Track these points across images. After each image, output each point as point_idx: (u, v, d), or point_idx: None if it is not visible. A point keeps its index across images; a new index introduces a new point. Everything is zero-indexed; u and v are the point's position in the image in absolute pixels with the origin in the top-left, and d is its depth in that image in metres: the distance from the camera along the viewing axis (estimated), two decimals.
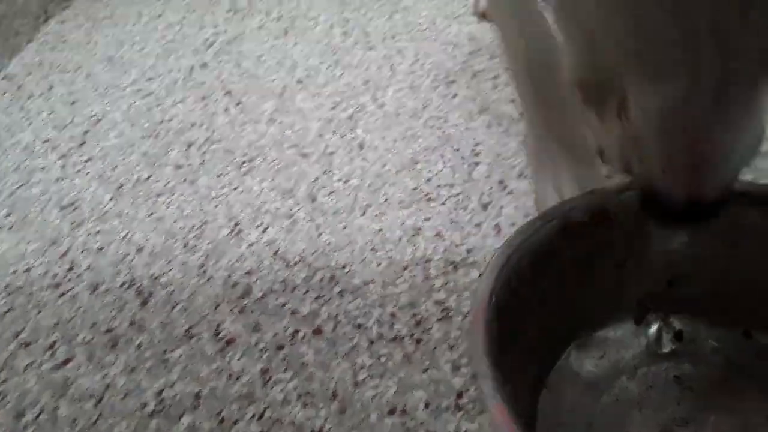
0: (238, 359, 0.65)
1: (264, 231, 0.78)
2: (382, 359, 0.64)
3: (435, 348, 0.64)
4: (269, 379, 0.63)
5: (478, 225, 0.77)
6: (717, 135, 0.33)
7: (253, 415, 0.60)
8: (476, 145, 0.88)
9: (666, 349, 0.57)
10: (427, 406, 0.59)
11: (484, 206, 0.79)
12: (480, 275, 0.48)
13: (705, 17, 0.29)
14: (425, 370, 0.62)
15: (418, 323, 0.67)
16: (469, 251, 0.74)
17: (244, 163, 0.88)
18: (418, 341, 0.65)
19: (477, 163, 0.86)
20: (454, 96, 0.97)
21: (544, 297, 0.52)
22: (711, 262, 0.54)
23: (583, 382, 0.55)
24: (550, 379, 0.54)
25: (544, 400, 0.53)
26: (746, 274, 0.54)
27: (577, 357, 0.56)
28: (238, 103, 0.98)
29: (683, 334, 0.56)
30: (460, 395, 0.60)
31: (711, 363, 0.56)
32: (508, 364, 0.44)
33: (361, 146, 0.90)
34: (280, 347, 0.66)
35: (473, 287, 0.69)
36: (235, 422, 0.60)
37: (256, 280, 0.73)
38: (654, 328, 0.57)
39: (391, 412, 0.59)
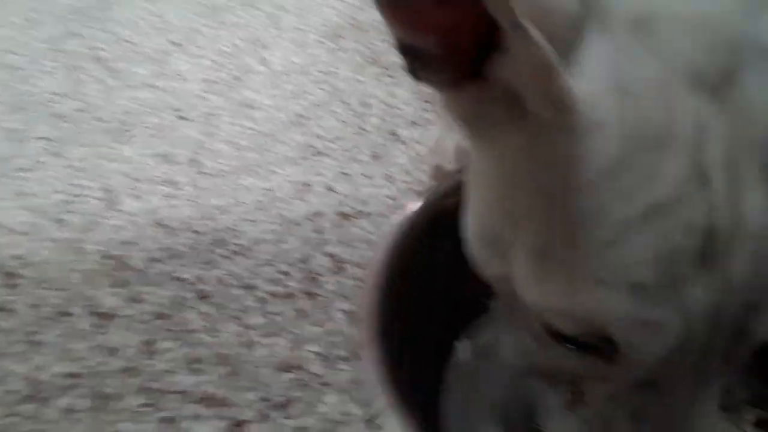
0: (118, 333, 0.60)
1: (143, 200, 0.73)
2: (274, 317, 0.60)
3: (329, 301, 0.61)
4: (153, 350, 0.59)
5: (369, 176, 0.74)
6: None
7: (138, 388, 0.56)
8: (366, 97, 0.86)
9: None
10: (322, 358, 0.57)
11: (376, 157, 0.77)
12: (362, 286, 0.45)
13: (693, 270, 0.28)
14: (319, 324, 0.59)
15: (311, 278, 0.64)
16: (361, 202, 0.71)
17: (119, 131, 0.82)
18: (312, 296, 0.62)
19: (368, 115, 0.83)
20: (342, 50, 0.93)
21: (431, 290, 0.50)
22: None
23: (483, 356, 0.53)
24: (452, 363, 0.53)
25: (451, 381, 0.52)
26: None
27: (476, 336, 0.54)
28: (110, 71, 0.92)
29: None
30: (356, 344, 0.57)
31: None
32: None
33: (246, 105, 0.85)
34: (163, 316, 0.61)
35: (367, 237, 0.67)
36: (120, 398, 0.55)
37: (135, 250, 0.68)
38: None
39: (285, 368, 0.56)
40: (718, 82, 0.27)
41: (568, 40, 0.27)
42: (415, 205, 0.49)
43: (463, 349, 0.53)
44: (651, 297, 0.28)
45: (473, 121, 0.32)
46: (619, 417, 0.34)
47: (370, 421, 0.52)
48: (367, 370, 0.40)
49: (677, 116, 0.27)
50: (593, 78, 0.27)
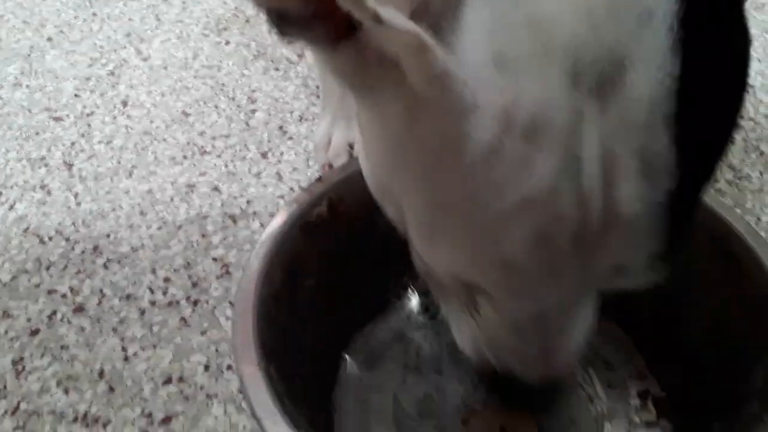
0: None
1: (11, 207, 0.68)
2: (155, 328, 0.58)
3: (214, 307, 0.59)
4: (23, 368, 0.55)
5: (257, 174, 0.72)
6: (566, 335, 0.36)
7: (5, 411, 0.52)
8: (253, 92, 0.83)
9: (433, 318, 0.55)
10: (206, 368, 0.55)
11: (263, 154, 0.75)
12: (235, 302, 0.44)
13: (567, 250, 0.28)
14: (204, 332, 0.57)
15: (195, 284, 0.61)
16: (248, 202, 0.69)
17: None
18: (196, 303, 0.60)
19: (254, 111, 0.80)
20: (227, 43, 0.90)
21: (307, 309, 0.49)
22: None
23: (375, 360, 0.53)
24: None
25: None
26: None
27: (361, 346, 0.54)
28: None
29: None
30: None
31: None
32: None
33: (124, 103, 0.81)
34: (35, 332, 0.57)
35: (256, 238, 0.65)
36: None
37: (3, 262, 0.63)
38: (414, 302, 0.56)
39: (167, 381, 0.54)
40: (600, 70, 0.26)
41: (448, 4, 0.26)
42: (281, 218, 0.47)
43: (349, 364, 0.53)
44: (526, 277, 0.29)
45: (352, 81, 0.30)
46: (502, 328, 0.36)
47: None
48: (258, 397, 0.39)
49: (554, 104, 0.26)
50: (471, 49, 0.26)
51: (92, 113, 0.79)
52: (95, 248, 0.65)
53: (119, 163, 0.73)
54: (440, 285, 0.39)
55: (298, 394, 0.41)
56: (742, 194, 0.64)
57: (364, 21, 0.24)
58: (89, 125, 0.78)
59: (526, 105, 0.26)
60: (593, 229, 0.28)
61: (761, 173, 0.66)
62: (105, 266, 0.63)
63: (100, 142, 0.76)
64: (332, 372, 0.52)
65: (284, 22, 0.27)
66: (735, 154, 0.68)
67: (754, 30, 0.92)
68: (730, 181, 0.66)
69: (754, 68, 0.79)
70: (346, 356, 0.53)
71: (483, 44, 0.26)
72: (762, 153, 0.69)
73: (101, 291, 0.61)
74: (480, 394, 0.50)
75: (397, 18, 0.24)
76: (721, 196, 0.64)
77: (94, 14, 0.95)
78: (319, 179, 0.51)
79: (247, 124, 0.79)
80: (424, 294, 0.56)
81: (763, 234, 0.61)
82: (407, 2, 0.27)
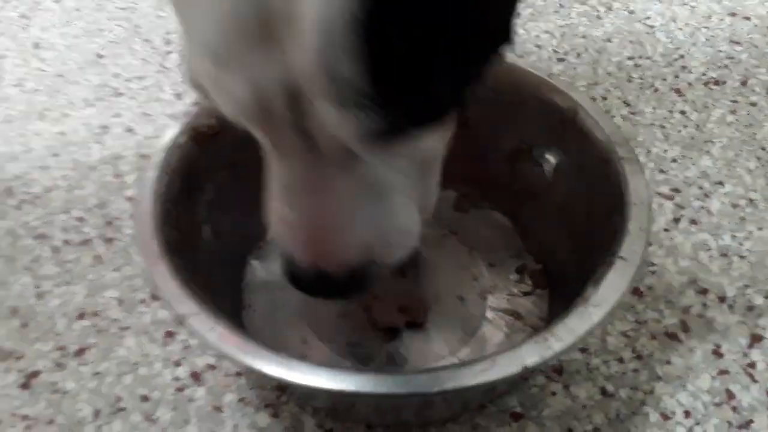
0: None
1: None
2: (69, 266, 0.59)
3: (128, 245, 0.61)
4: None
5: (172, 115, 0.73)
6: (336, 227, 0.36)
7: None
8: (168, 33, 0.83)
9: None
10: (120, 303, 0.56)
11: (179, 95, 0.75)
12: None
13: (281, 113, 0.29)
14: (117, 269, 0.59)
15: (108, 223, 0.62)
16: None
17: None
18: (110, 241, 0.61)
19: (169, 53, 0.80)
20: None
21: (207, 216, 0.51)
22: None
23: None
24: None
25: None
26: None
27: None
28: None
29: None
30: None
31: None
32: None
33: (36, 46, 0.80)
34: None
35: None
36: None
37: None
38: None
39: (81, 316, 0.55)
40: None
41: None
42: (174, 130, 0.50)
43: (256, 267, 0.56)
44: (223, 64, 0.29)
45: None
46: (275, 180, 0.36)
47: (179, 324, 0.52)
48: (164, 282, 0.42)
49: None
50: None
51: (3, 56, 0.78)
52: (7, 189, 0.65)
53: (31, 105, 0.73)
54: None
55: (203, 288, 0.43)
56: (635, 129, 0.68)
57: None
58: (0, 68, 0.77)
59: None
60: (276, 21, 0.27)
61: (654, 108, 0.70)
62: (17, 207, 0.63)
63: (11, 85, 0.75)
64: (239, 276, 0.56)
65: None
66: (631, 90, 0.72)
67: None
68: (625, 116, 0.69)
69: (655, 9, 0.83)
70: (252, 261, 0.57)
71: None
72: (656, 90, 0.72)
73: (13, 231, 0.61)
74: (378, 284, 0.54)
75: None
76: None
77: None
78: None
79: (162, 65, 0.78)
80: None
81: (651, 165, 0.65)
82: None
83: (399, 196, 0.37)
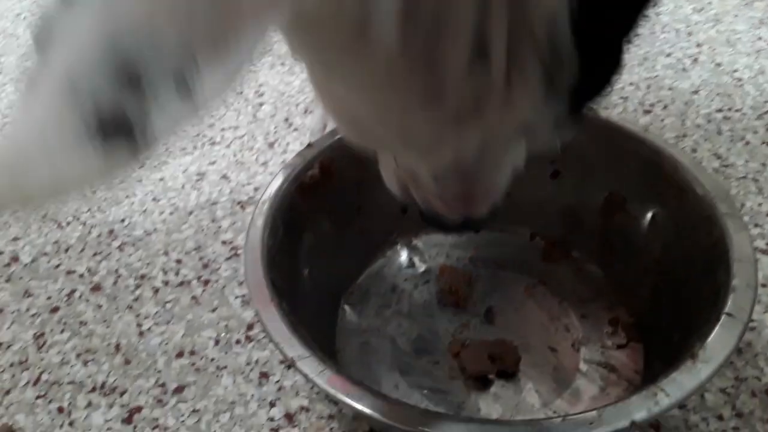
0: (8, 328, 0.60)
1: None
2: (168, 305, 0.61)
3: (224, 287, 0.63)
4: (44, 343, 0.59)
5: (264, 163, 0.76)
6: (477, 181, 0.41)
7: (28, 381, 0.56)
8: (260, 86, 0.87)
9: (420, 269, 0.61)
10: (216, 343, 0.58)
11: (270, 144, 0.78)
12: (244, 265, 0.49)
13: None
14: (214, 310, 0.61)
15: (205, 265, 0.65)
16: (256, 189, 0.73)
17: (5, 125, 0.80)
18: (206, 282, 0.63)
19: (261, 104, 0.84)
20: None
21: (307, 261, 0.54)
22: None
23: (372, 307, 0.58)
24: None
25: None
26: None
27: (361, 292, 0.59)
28: None
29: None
30: (250, 327, 0.59)
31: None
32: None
33: None
34: (55, 309, 0.61)
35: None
36: (8, 392, 0.55)
37: (24, 245, 0.67)
38: (404, 256, 0.62)
39: (180, 354, 0.57)
40: None
41: None
42: (279, 180, 0.53)
43: (348, 312, 0.58)
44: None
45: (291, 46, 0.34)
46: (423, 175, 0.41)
47: (289, 366, 0.54)
48: (274, 326, 0.44)
49: None
50: None
51: None
52: (111, 232, 0.68)
53: None
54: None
55: (305, 333, 0.45)
56: (727, 181, 0.67)
57: None
58: None
59: (427, 3, 0.27)
60: (498, 87, 0.30)
61: (746, 161, 0.69)
62: (120, 249, 0.66)
63: None
64: (332, 320, 0.57)
65: None
66: (722, 143, 0.71)
67: (742, 25, 0.95)
68: (716, 169, 0.68)
69: (743, 62, 0.82)
70: (345, 306, 0.58)
71: None
72: (747, 143, 0.71)
73: (117, 271, 0.64)
74: (468, 332, 0.56)
75: None
76: None
77: None
78: (310, 145, 0.56)
79: (255, 116, 0.82)
80: (411, 248, 0.62)
81: (746, 218, 0.64)
82: None
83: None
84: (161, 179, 0.74)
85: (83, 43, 0.21)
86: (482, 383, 0.53)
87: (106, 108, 0.21)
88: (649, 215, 0.53)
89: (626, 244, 0.55)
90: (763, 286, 0.59)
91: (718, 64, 0.82)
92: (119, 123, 0.21)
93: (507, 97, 0.31)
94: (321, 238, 0.54)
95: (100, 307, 0.61)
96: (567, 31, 0.28)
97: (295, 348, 0.41)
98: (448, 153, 0.36)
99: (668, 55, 0.84)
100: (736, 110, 0.76)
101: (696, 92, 0.78)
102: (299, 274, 0.52)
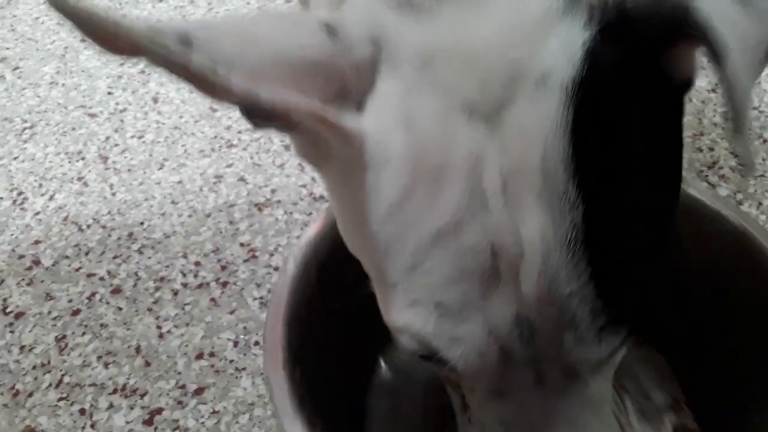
0: (30, 331, 0.60)
1: (51, 198, 0.73)
2: (188, 308, 0.62)
3: (242, 289, 0.63)
4: (65, 345, 0.59)
5: (281, 166, 0.76)
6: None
7: (50, 384, 0.57)
8: None
9: None
10: (235, 344, 0.59)
11: (287, 147, 0.78)
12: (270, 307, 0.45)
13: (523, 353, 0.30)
14: (232, 311, 0.61)
15: (223, 267, 0.65)
16: (273, 191, 0.73)
17: (24, 130, 0.81)
18: (225, 285, 0.64)
19: None
20: None
21: (344, 314, 0.48)
22: None
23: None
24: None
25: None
26: None
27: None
28: (15, 69, 0.90)
29: None
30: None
31: None
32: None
33: (155, 100, 0.86)
34: (76, 312, 0.62)
35: (280, 225, 0.69)
36: (30, 394, 0.56)
37: (45, 248, 0.68)
38: None
39: (199, 356, 0.58)
40: (490, 111, 0.29)
41: (364, 81, 0.30)
42: (318, 226, 0.48)
43: (384, 370, 0.54)
44: (453, 314, 0.30)
45: (307, 157, 0.34)
46: (490, 422, 0.35)
47: None
48: (281, 396, 0.41)
49: (455, 146, 0.29)
50: (382, 115, 0.30)
51: (125, 110, 0.84)
52: (130, 235, 0.69)
53: (151, 156, 0.78)
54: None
55: (324, 395, 0.43)
56: (744, 180, 0.67)
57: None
58: (122, 121, 0.82)
59: (431, 151, 0.29)
60: (505, 259, 0.29)
61: (764, 160, 0.69)
62: (140, 251, 0.67)
63: (132, 137, 0.80)
64: (366, 378, 0.53)
65: (250, 115, 0.30)
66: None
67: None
68: (734, 167, 0.68)
69: None
70: (381, 362, 0.54)
71: (394, 109, 0.30)
72: (765, 141, 0.71)
73: (136, 274, 0.65)
74: None
75: (293, 98, 0.28)
76: (724, 181, 0.67)
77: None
78: None
79: None
80: None
81: (763, 218, 0.63)
82: (323, 88, 0.29)
83: (609, 405, 0.37)
84: (179, 182, 0.74)
85: None
86: None
87: None
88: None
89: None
90: None
91: None
92: None
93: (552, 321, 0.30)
94: (357, 292, 0.51)
95: (120, 309, 0.62)
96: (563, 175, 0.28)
97: (296, 427, 0.39)
98: None
99: None
100: (754, 108, 0.75)
101: (713, 90, 0.78)
102: (330, 330, 0.48)
